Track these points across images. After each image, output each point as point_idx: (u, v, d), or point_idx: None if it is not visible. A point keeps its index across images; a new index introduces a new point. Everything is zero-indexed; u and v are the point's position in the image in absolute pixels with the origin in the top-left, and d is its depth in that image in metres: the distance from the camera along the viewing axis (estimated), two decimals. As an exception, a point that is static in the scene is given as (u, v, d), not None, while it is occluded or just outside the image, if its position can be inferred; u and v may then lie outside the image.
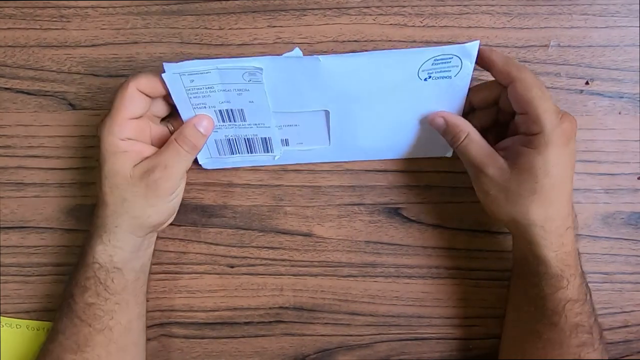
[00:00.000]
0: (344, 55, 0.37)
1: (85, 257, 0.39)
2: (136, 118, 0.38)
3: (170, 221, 0.41)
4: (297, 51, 0.37)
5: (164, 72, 0.36)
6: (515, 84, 0.35)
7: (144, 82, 0.37)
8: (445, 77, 0.37)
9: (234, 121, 0.40)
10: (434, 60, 0.36)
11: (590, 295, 0.38)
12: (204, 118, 0.39)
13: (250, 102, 0.39)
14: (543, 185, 0.35)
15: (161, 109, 0.40)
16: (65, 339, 0.38)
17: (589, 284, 0.43)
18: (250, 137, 0.41)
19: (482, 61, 0.37)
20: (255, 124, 0.40)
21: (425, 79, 0.38)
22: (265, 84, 0.37)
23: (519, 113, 0.36)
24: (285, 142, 0.42)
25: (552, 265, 0.36)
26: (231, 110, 0.39)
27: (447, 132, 0.39)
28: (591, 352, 0.36)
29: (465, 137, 0.38)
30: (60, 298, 0.40)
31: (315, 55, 0.36)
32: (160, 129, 0.40)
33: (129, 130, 0.37)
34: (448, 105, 0.39)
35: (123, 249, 0.39)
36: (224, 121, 0.40)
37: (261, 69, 0.36)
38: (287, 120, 0.41)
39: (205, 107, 0.39)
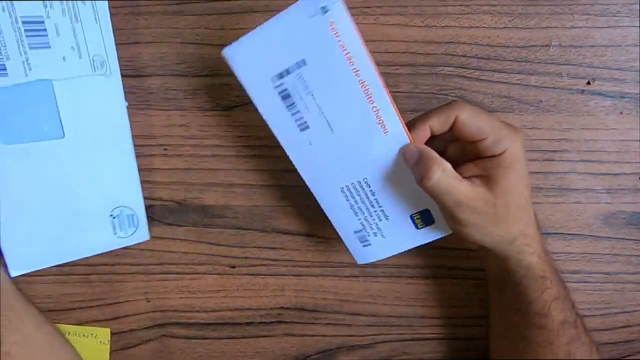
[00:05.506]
0: None
1: None
2: None
3: None
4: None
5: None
6: (461, 117, 0.35)
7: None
8: None
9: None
10: None
11: (568, 290, 0.39)
12: None
13: None
14: (522, 199, 0.36)
15: None
16: None
17: (591, 284, 0.43)
18: None
19: (419, 133, 0.36)
20: None
21: None
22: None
23: (477, 140, 0.35)
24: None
25: (535, 269, 0.37)
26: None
27: (419, 165, 0.35)
28: (580, 346, 0.37)
29: (442, 171, 0.34)
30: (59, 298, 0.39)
31: None
32: None
33: None
34: None
35: None
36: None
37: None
38: None
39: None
